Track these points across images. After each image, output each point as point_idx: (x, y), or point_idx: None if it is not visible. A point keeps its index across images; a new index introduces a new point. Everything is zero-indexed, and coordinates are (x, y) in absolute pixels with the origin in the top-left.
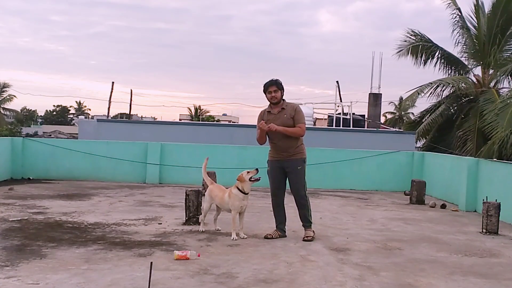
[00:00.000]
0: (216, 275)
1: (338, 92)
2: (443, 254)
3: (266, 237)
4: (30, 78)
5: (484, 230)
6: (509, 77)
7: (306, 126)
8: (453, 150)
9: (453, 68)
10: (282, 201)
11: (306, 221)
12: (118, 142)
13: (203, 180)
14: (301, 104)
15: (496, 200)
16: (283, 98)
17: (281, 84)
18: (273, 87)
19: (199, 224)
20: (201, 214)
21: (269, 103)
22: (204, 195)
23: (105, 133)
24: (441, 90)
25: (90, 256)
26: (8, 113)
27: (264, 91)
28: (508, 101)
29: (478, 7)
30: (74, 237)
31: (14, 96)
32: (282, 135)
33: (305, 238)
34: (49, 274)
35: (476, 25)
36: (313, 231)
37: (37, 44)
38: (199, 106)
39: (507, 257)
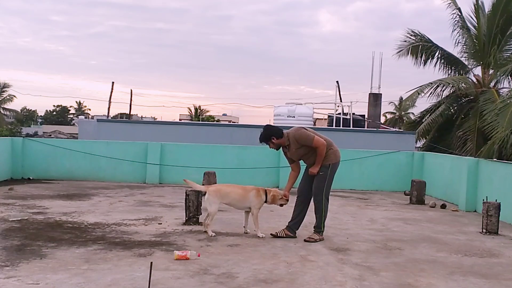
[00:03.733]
0: (216, 275)
1: (338, 92)
2: (443, 254)
3: (272, 235)
4: (30, 78)
5: (484, 230)
6: (509, 77)
7: (305, 126)
8: (453, 150)
9: (453, 68)
10: (304, 201)
11: (317, 226)
12: (118, 142)
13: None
14: (301, 104)
15: (496, 200)
16: (282, 134)
17: (267, 136)
18: (265, 144)
19: (199, 224)
20: (201, 214)
21: None
22: (204, 195)
23: (105, 133)
24: (441, 90)
25: (90, 256)
26: (8, 113)
27: None
28: (508, 101)
29: (478, 7)
30: (74, 237)
31: (14, 96)
32: (304, 157)
33: (307, 239)
34: (49, 274)
35: (476, 25)
36: (320, 238)
37: (37, 44)
38: (199, 106)
39: (507, 257)
